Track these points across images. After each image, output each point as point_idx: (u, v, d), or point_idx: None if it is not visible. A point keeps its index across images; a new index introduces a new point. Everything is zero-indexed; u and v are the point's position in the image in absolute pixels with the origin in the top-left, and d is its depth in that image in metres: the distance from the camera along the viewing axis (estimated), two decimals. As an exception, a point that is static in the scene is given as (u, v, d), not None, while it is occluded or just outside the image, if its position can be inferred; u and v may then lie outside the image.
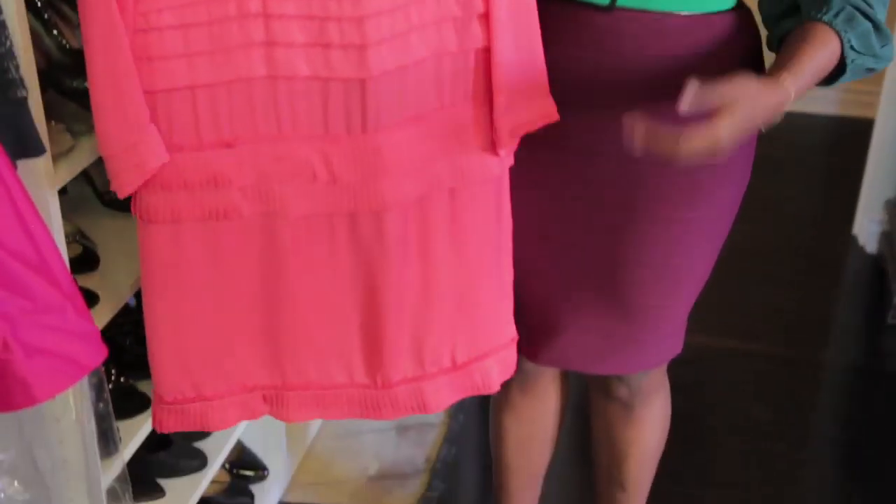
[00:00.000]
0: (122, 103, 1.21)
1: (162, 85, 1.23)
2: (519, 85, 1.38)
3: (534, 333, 1.63)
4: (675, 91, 1.38)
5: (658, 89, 1.40)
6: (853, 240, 3.21)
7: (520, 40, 1.36)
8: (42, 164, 1.20)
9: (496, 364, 1.56)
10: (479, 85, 1.37)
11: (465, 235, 1.45)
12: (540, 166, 1.51)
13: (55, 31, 1.31)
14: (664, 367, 1.74)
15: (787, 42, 1.33)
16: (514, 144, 1.42)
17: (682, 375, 1.86)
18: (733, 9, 1.42)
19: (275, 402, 1.49)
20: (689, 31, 1.40)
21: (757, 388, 2.62)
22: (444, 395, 1.54)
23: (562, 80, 1.44)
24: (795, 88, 1.28)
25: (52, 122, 1.22)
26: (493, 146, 1.40)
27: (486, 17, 1.32)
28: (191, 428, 1.47)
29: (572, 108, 1.44)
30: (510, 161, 1.45)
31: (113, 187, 1.27)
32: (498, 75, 1.35)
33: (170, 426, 1.46)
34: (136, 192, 1.30)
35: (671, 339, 1.63)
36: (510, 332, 1.57)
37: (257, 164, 1.30)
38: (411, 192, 1.37)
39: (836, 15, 1.31)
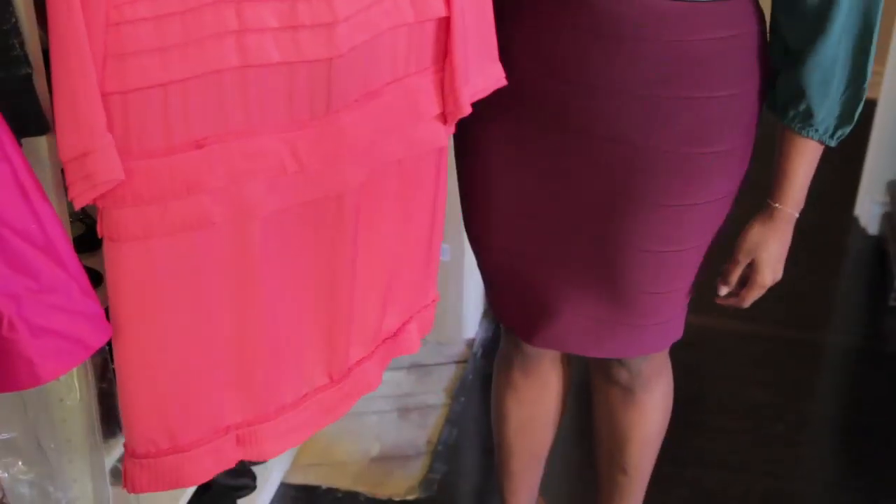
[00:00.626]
0: (74, 106, 1.11)
1: (135, 83, 1.13)
2: (475, 53, 1.38)
3: (530, 316, 1.63)
4: (674, 76, 1.39)
5: (657, 74, 1.40)
6: (855, 221, 3.22)
7: (477, 8, 1.35)
8: (46, 141, 1.19)
9: (416, 324, 1.58)
10: (431, 55, 1.35)
11: (409, 207, 1.44)
12: (536, 147, 1.50)
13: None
14: (665, 352, 1.74)
15: (775, 165, 1.49)
16: (466, 112, 1.41)
17: (682, 357, 1.86)
18: None
19: (248, 440, 1.40)
20: (690, 17, 1.38)
21: (757, 369, 2.62)
22: (379, 368, 1.53)
23: (560, 62, 1.43)
24: (793, 207, 1.49)
25: (57, 99, 1.21)
26: (442, 116, 1.40)
27: None
28: (166, 487, 1.35)
29: (570, 90, 1.44)
30: (452, 130, 1.44)
31: (70, 197, 1.16)
32: (458, 44, 1.34)
33: (143, 485, 1.33)
34: (102, 210, 1.19)
35: (670, 324, 1.63)
36: (433, 293, 1.60)
37: (228, 164, 1.22)
38: (367, 170, 1.34)
39: (794, 118, 1.44)
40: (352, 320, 1.44)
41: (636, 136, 1.43)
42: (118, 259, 1.22)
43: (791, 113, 1.44)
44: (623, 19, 1.38)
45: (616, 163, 1.46)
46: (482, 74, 1.41)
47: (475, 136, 1.56)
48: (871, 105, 3.12)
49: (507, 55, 1.46)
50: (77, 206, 1.17)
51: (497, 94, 1.46)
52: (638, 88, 1.41)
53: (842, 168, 3.21)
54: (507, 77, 1.45)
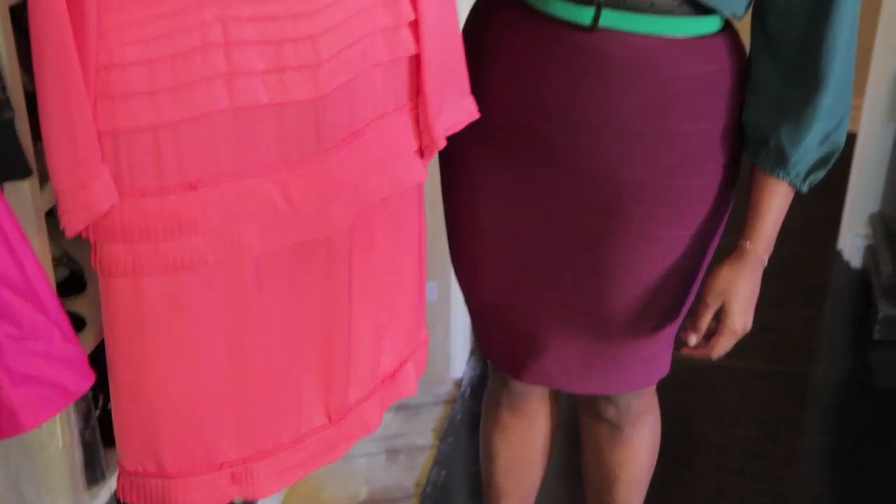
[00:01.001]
0: (73, 141, 1.13)
1: (124, 125, 1.15)
2: (447, 87, 1.40)
3: (517, 351, 1.63)
4: (658, 110, 1.40)
5: (642, 109, 1.41)
6: (838, 254, 3.23)
7: (446, 44, 1.37)
8: (28, 186, 1.18)
9: (413, 366, 1.58)
10: (407, 92, 1.37)
11: (396, 244, 1.45)
12: (521, 180, 1.50)
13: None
14: (653, 389, 1.73)
15: (748, 203, 1.47)
16: (441, 146, 1.43)
17: (670, 393, 1.85)
18: (719, 32, 1.42)
19: (244, 479, 1.40)
20: (674, 54, 1.39)
21: (744, 405, 2.62)
22: (377, 411, 1.53)
23: (543, 96, 1.44)
24: (763, 247, 1.45)
25: (40, 143, 1.20)
26: (420, 151, 1.42)
27: (415, 25, 1.33)
28: None
29: (553, 124, 1.44)
30: (427, 164, 1.46)
31: (62, 225, 1.18)
32: (429, 80, 1.36)
33: (133, 498, 1.35)
34: (95, 243, 1.22)
35: (656, 360, 1.62)
36: (424, 332, 1.60)
37: (221, 206, 1.23)
38: (355, 209, 1.35)
39: (765, 160, 1.42)
40: (350, 359, 1.43)
41: (620, 169, 1.44)
42: (112, 293, 1.23)
43: (762, 154, 1.43)
44: (606, 56, 1.39)
45: (601, 196, 1.46)
46: (455, 108, 1.43)
47: (461, 171, 1.57)
48: (850, 138, 3.13)
49: (491, 90, 1.47)
50: (70, 235, 1.19)
51: (481, 128, 1.47)
52: (621, 122, 1.42)
53: (824, 201, 3.23)
54: (491, 111, 1.46)
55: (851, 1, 1.34)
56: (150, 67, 1.13)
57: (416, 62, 1.36)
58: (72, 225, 1.18)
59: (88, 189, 1.16)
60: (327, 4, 1.22)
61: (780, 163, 1.41)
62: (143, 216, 1.20)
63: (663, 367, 1.65)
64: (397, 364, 1.55)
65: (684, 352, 1.52)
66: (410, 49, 1.34)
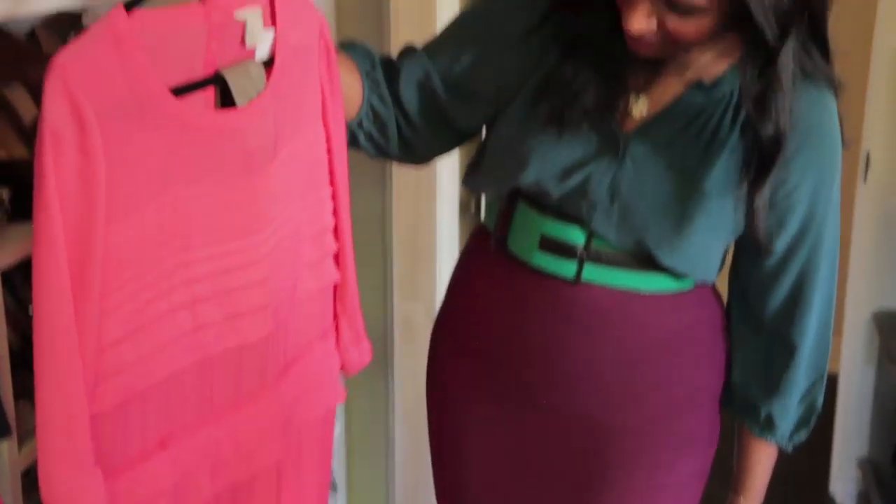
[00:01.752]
0: (72, 443, 1.08)
1: (112, 403, 1.13)
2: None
3: None
4: (638, 359, 1.42)
5: (622, 357, 1.43)
6: (831, 499, 3.16)
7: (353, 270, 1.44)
8: (7, 447, 1.16)
9: None
10: (329, 318, 1.42)
11: (315, 460, 1.45)
12: (505, 424, 1.50)
13: (31, 309, 1.30)
14: None
15: (736, 457, 1.56)
16: (370, 357, 1.47)
17: None
18: (696, 286, 1.46)
19: None
20: (652, 307, 1.43)
21: None
22: None
23: (527, 342, 1.46)
24: (755, 501, 1.55)
25: (20, 403, 1.19)
26: (338, 372, 1.46)
27: (337, 255, 1.40)
28: None
29: (537, 369, 1.46)
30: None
31: None
32: (354, 300, 1.43)
33: None
34: None
35: None
36: None
37: (182, 461, 1.22)
38: (286, 437, 1.36)
39: (753, 425, 1.51)
40: None
41: (602, 415, 1.44)
42: None
43: (751, 419, 1.50)
44: (588, 306, 1.42)
45: (584, 440, 1.46)
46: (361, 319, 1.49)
47: (445, 414, 1.58)
48: (832, 380, 3.14)
49: (476, 334, 1.50)
50: None
51: (465, 372, 1.51)
52: (602, 369, 1.43)
53: (813, 446, 3.19)
54: (476, 356, 1.50)
55: (827, 278, 1.44)
56: (134, 339, 1.13)
57: (334, 288, 1.42)
58: None
59: (77, 497, 1.09)
60: (271, 249, 1.26)
61: (768, 428, 1.49)
62: (125, 493, 1.15)
63: None
64: None
65: None
66: (334, 277, 1.40)
